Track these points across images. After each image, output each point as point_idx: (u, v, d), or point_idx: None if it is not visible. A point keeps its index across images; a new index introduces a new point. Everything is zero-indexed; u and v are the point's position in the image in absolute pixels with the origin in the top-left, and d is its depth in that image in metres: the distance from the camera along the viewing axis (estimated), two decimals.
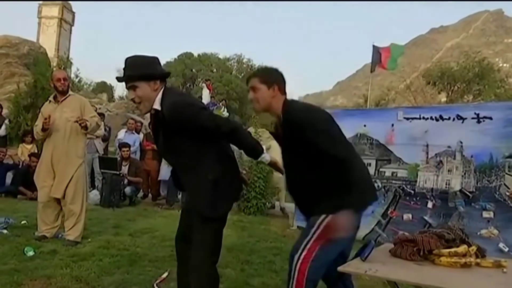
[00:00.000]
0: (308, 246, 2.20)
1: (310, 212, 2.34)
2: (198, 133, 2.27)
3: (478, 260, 2.12)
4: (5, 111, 10.19)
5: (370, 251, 2.06)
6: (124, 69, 2.35)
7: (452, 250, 2.06)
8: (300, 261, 2.19)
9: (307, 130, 2.19)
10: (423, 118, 5.58)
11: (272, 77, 2.41)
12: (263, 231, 5.83)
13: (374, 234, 5.71)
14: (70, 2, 30.39)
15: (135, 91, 2.30)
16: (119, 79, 2.41)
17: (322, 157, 2.16)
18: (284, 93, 2.42)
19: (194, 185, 2.37)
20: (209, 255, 2.38)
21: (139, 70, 2.31)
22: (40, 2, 29.63)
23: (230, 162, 2.51)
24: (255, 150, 2.42)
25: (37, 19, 29.55)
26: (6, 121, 9.21)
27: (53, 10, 29.25)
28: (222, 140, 2.43)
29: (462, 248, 2.08)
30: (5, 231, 4.58)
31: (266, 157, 2.43)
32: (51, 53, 25.89)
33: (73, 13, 30.97)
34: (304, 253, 2.19)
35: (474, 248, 2.16)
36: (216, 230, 2.42)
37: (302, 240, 2.24)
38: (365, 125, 6.23)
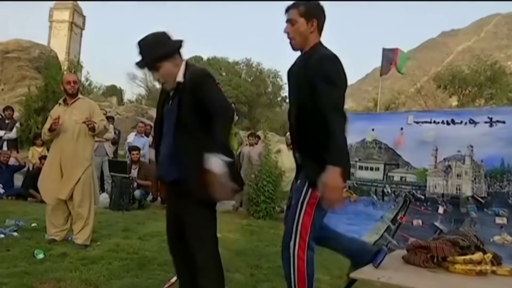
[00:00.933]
0: (299, 230, 2.19)
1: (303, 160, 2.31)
2: (205, 107, 2.22)
3: (494, 268, 2.07)
4: (16, 114, 10.28)
5: (382, 258, 2.03)
6: (140, 53, 2.34)
7: (467, 257, 2.02)
8: (296, 248, 2.18)
9: (315, 74, 2.10)
10: (434, 122, 5.53)
11: (314, 11, 2.26)
12: (272, 236, 5.79)
13: (384, 240, 5.65)
14: (81, 6, 30.71)
15: (158, 71, 2.33)
16: (140, 65, 2.39)
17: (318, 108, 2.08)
18: (321, 31, 2.27)
19: (198, 166, 2.19)
20: (214, 248, 2.40)
21: (157, 51, 2.29)
22: (52, 6, 29.99)
23: (230, 150, 2.50)
24: (222, 146, 2.17)
25: (48, 23, 29.92)
26: (17, 124, 9.28)
27: (64, 14, 29.61)
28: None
29: (477, 256, 2.04)
30: (15, 234, 4.59)
31: (217, 161, 2.09)
32: (61, 56, 26.17)
33: (84, 17, 31.32)
34: (298, 240, 2.18)
35: (489, 255, 2.12)
36: (213, 217, 2.42)
37: (291, 226, 2.22)
38: (373, 129, 6.18)
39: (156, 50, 2.29)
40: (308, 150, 2.22)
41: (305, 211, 2.18)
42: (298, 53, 2.37)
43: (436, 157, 5.44)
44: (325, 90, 2.06)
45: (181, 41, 2.39)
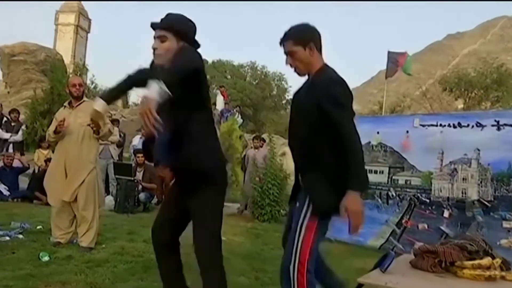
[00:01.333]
0: (298, 255, 2.16)
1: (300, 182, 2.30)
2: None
3: (504, 273, 2.04)
4: (22, 117, 10.33)
5: (390, 263, 2.01)
6: (164, 18, 2.34)
7: (476, 262, 1.99)
8: (296, 273, 2.16)
9: (322, 97, 2.09)
10: (440, 125, 5.51)
11: (307, 36, 2.23)
12: (277, 239, 5.72)
13: (390, 244, 5.62)
14: (86, 9, 30.89)
15: (161, 42, 2.29)
16: (154, 24, 2.34)
17: (327, 129, 2.08)
18: (321, 50, 2.25)
19: (198, 145, 2.26)
20: (217, 233, 2.38)
21: (175, 24, 2.30)
22: (58, 9, 30.19)
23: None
24: (167, 74, 2.04)
25: (54, 26, 30.11)
26: (23, 127, 9.32)
27: (70, 17, 29.79)
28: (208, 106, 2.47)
29: (486, 261, 2.01)
30: (20, 236, 4.60)
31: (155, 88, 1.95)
32: (67, 59, 26.31)
33: (89, 20, 31.48)
34: (296, 265, 2.16)
35: (498, 260, 2.09)
36: (220, 199, 2.42)
37: (291, 250, 2.20)
38: (378, 132, 6.16)
39: (176, 23, 2.31)
40: (315, 172, 2.19)
41: (305, 235, 2.16)
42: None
43: (442, 161, 5.42)
44: (338, 114, 2.07)
45: (198, 44, 2.43)
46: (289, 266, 2.18)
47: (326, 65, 2.26)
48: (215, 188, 2.36)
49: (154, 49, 2.31)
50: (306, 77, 2.33)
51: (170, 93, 1.94)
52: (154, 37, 2.32)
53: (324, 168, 2.14)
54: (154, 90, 1.94)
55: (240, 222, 7.17)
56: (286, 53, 2.27)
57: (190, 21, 2.40)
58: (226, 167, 2.65)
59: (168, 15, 2.37)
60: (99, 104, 2.49)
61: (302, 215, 2.19)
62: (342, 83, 2.17)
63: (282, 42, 2.27)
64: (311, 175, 2.21)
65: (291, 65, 2.27)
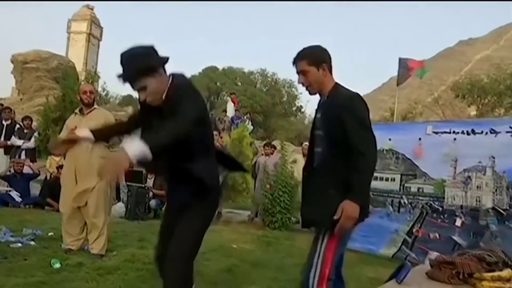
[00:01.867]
0: (319, 268, 2.23)
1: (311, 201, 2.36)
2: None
3: None
4: (34, 124, 10.43)
5: (406, 274, 1.97)
6: (123, 68, 2.16)
7: (495, 274, 1.93)
8: (315, 282, 2.21)
9: (347, 114, 2.18)
10: (454, 132, 5.44)
11: (320, 57, 2.33)
12: (288, 247, 5.73)
13: (403, 253, 5.54)
14: (98, 17, 31.26)
15: (145, 90, 2.16)
16: (124, 81, 2.19)
17: (345, 146, 2.18)
18: (331, 71, 2.35)
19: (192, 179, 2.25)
20: (192, 247, 2.32)
21: (143, 67, 2.13)
22: (70, 17, 30.60)
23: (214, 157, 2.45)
24: (155, 141, 1.97)
25: (66, 34, 30.49)
26: (36, 134, 9.41)
27: (82, 26, 30.16)
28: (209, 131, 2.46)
29: (506, 272, 1.95)
30: (32, 243, 4.63)
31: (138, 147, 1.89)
32: (79, 67, 26.63)
33: (101, 28, 31.84)
34: (317, 274, 2.22)
35: None
36: (207, 218, 2.40)
37: (313, 259, 2.26)
38: (390, 139, 6.11)
39: (141, 65, 2.13)
40: (336, 187, 2.24)
41: (327, 246, 2.24)
42: None
43: (455, 168, 5.34)
44: (359, 132, 2.18)
45: (167, 57, 2.27)
46: (309, 274, 2.24)
47: (338, 84, 2.35)
48: (207, 206, 2.39)
49: (144, 100, 2.21)
50: (318, 96, 2.41)
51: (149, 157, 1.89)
52: (138, 91, 2.20)
53: (342, 182, 2.21)
54: (135, 148, 1.86)
55: (250, 229, 7.14)
56: (298, 72, 2.35)
57: (148, 48, 2.22)
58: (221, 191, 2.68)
59: (130, 60, 2.16)
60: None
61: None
62: (361, 99, 2.28)
63: (295, 61, 2.35)
64: (331, 190, 2.26)
65: (303, 84, 2.36)
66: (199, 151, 2.27)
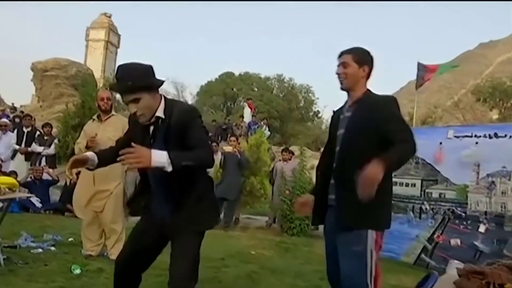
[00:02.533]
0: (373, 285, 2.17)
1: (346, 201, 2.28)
2: (187, 144, 2.21)
3: None
4: (54, 131, 10.58)
5: (433, 283, 1.91)
6: (120, 78, 2.20)
7: None
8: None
9: (385, 110, 2.24)
10: (476, 136, 5.31)
11: (366, 59, 2.40)
12: (307, 253, 5.67)
13: (423, 261, 5.43)
14: (116, 25, 31.71)
15: (138, 103, 2.19)
16: (119, 89, 2.26)
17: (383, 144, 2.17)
18: (369, 77, 2.40)
19: (186, 198, 2.30)
20: (192, 273, 2.31)
21: (142, 80, 2.19)
22: (88, 25, 31.13)
23: (211, 179, 2.57)
24: (183, 158, 2.14)
25: (85, 42, 31.01)
26: (56, 140, 9.55)
27: (100, 33, 30.62)
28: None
29: None
30: (53, 248, 4.67)
31: (164, 157, 2.09)
32: (97, 74, 26.99)
33: (119, 36, 32.28)
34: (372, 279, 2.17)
35: None
36: (199, 244, 2.38)
37: (364, 280, 2.17)
38: None
39: (140, 79, 2.19)
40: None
41: (374, 259, 2.19)
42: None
43: (478, 173, 5.21)
44: (403, 125, 2.26)
45: (163, 81, 2.35)
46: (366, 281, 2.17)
47: (370, 90, 2.40)
48: (200, 237, 2.39)
49: (134, 113, 2.23)
50: (346, 93, 2.44)
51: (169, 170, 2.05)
52: (127, 103, 2.24)
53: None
54: (160, 157, 2.04)
55: (268, 235, 7.09)
56: (340, 64, 2.39)
57: (147, 66, 2.29)
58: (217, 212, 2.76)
59: (129, 72, 2.21)
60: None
61: (369, 240, 2.21)
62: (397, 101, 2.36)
63: (342, 53, 2.41)
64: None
65: (339, 75, 2.38)
66: (199, 170, 2.38)
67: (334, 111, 2.55)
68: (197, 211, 2.33)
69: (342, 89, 2.42)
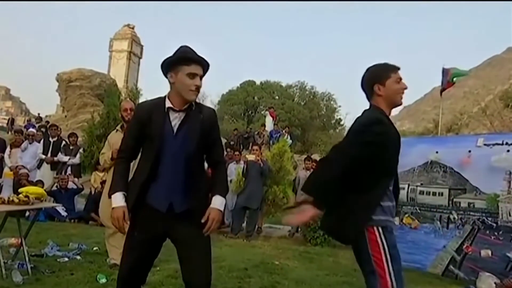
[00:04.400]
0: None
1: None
2: (208, 145, 2.39)
3: None
4: (79, 140, 10.78)
5: None
6: (197, 55, 2.35)
7: None
8: None
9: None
10: (507, 143, 5.15)
11: None
12: (332, 264, 5.56)
13: (451, 272, 5.27)
14: (139, 36, 32.28)
15: (201, 80, 2.34)
16: (201, 60, 2.35)
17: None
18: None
19: (199, 188, 2.36)
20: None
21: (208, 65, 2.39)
22: (112, 37, 31.77)
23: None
24: (227, 187, 2.49)
25: (108, 53, 31.64)
26: (81, 150, 9.70)
27: (123, 44, 31.22)
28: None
29: None
30: (78, 257, 4.71)
31: (223, 202, 2.38)
32: (120, 84, 27.50)
33: (142, 46, 32.83)
34: None
35: None
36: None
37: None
38: (437, 152, 5.87)
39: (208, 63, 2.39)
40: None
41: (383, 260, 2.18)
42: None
43: (509, 182, 5.04)
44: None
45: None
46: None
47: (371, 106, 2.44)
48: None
49: (197, 87, 2.32)
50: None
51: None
52: (193, 74, 2.32)
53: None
54: (223, 204, 2.35)
55: (291, 245, 7.01)
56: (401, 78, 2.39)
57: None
58: None
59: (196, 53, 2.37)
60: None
61: (370, 252, 2.20)
62: (370, 122, 2.32)
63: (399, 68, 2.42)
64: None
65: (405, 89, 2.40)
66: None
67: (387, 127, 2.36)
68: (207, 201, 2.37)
69: (400, 105, 2.42)
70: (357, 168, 2.13)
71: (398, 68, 2.38)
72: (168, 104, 2.33)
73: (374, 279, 2.15)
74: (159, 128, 2.29)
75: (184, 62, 2.30)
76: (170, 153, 2.29)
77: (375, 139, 2.17)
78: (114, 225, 2.29)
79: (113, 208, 2.30)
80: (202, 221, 2.26)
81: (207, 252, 2.32)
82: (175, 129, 2.32)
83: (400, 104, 2.42)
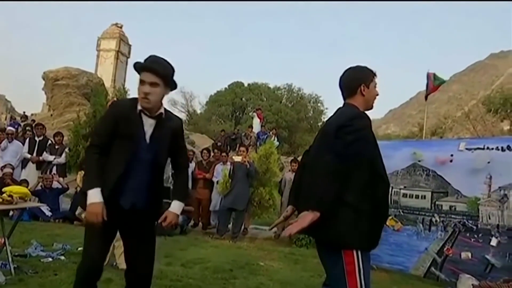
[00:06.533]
0: None
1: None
2: (174, 152, 2.61)
3: None
4: (65, 139, 10.67)
5: None
6: (154, 61, 2.43)
7: None
8: None
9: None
10: (488, 148, 5.26)
11: None
12: (317, 265, 5.56)
13: (433, 274, 5.36)
14: (127, 35, 32.03)
15: (154, 88, 2.39)
16: (151, 67, 2.41)
17: None
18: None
19: (158, 192, 2.63)
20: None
21: (169, 72, 2.47)
22: (99, 35, 31.49)
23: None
24: (187, 193, 2.74)
25: (96, 52, 31.34)
26: (66, 149, 9.60)
27: (111, 43, 30.91)
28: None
29: None
30: (62, 258, 4.69)
31: (181, 208, 2.65)
32: (108, 83, 27.23)
33: (130, 46, 32.58)
34: None
35: None
36: None
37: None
38: (421, 155, 5.96)
39: (169, 71, 2.48)
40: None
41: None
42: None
43: (490, 186, 5.14)
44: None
45: (175, 88, 2.58)
46: None
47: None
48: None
49: (145, 93, 2.40)
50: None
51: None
52: (143, 82, 2.43)
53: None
54: (180, 209, 2.65)
55: (277, 247, 7.05)
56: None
57: (171, 66, 2.56)
58: None
59: (163, 61, 2.50)
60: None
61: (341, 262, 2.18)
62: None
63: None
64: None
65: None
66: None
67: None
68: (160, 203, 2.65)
69: (370, 109, 2.45)
70: (351, 168, 2.10)
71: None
72: (139, 106, 2.45)
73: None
74: (136, 131, 2.44)
75: (137, 70, 2.45)
76: (141, 157, 2.46)
77: (360, 134, 2.16)
78: (91, 220, 2.37)
79: (90, 203, 2.36)
80: (159, 221, 2.54)
81: (152, 247, 2.64)
82: (148, 136, 2.47)
83: (371, 109, 2.45)
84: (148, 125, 2.47)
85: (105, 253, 2.63)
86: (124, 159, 2.42)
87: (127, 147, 2.42)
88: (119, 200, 2.44)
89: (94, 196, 2.36)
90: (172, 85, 2.51)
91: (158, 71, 2.39)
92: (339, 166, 2.05)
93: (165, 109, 2.53)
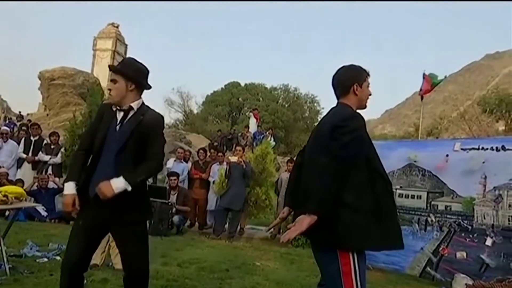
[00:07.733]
0: None
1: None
2: (146, 144, 2.55)
3: None
4: (60, 139, 10.61)
5: None
6: (122, 61, 2.73)
7: None
8: None
9: None
10: (483, 148, 5.29)
11: None
12: (312, 265, 5.58)
13: (428, 274, 5.39)
14: (123, 35, 32.00)
15: (114, 84, 2.60)
16: (110, 67, 2.70)
17: None
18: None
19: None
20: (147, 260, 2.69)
21: (128, 69, 2.62)
22: (96, 35, 31.43)
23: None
24: (136, 178, 2.49)
25: (92, 51, 31.29)
26: (62, 149, 9.56)
27: (107, 43, 30.93)
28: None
29: None
30: (58, 258, 4.66)
31: (122, 185, 2.45)
32: (104, 83, 27.19)
33: (126, 46, 32.55)
34: None
35: None
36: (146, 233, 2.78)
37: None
38: (416, 156, 5.99)
39: (129, 68, 2.63)
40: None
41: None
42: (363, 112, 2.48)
43: (485, 186, 5.17)
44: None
45: (148, 85, 2.70)
46: None
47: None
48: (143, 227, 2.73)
49: (109, 90, 2.65)
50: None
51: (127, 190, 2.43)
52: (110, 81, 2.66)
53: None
54: (119, 184, 2.41)
55: (273, 247, 7.06)
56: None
57: (145, 69, 2.73)
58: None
59: (129, 61, 2.73)
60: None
61: (338, 263, 2.17)
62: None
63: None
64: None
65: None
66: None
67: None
68: (138, 200, 2.58)
69: (364, 109, 2.43)
70: (348, 169, 2.09)
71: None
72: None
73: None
74: (106, 125, 2.60)
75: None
76: (108, 148, 2.56)
77: (356, 134, 2.15)
78: (65, 210, 2.54)
79: (64, 195, 2.53)
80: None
81: (143, 248, 2.65)
82: (117, 127, 2.60)
83: (364, 108, 2.44)
84: (120, 118, 2.61)
85: (86, 251, 2.60)
86: (94, 152, 2.60)
87: (97, 141, 2.58)
88: (88, 189, 2.53)
89: (67, 188, 2.52)
90: (138, 83, 2.62)
91: (116, 69, 2.63)
92: (336, 167, 2.04)
93: (144, 105, 2.66)
